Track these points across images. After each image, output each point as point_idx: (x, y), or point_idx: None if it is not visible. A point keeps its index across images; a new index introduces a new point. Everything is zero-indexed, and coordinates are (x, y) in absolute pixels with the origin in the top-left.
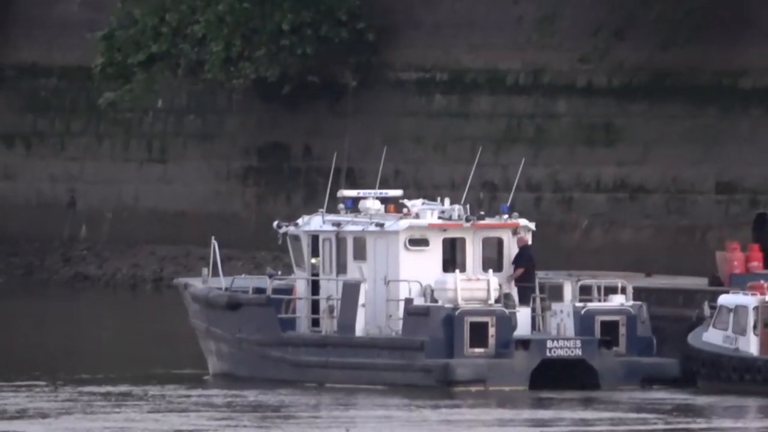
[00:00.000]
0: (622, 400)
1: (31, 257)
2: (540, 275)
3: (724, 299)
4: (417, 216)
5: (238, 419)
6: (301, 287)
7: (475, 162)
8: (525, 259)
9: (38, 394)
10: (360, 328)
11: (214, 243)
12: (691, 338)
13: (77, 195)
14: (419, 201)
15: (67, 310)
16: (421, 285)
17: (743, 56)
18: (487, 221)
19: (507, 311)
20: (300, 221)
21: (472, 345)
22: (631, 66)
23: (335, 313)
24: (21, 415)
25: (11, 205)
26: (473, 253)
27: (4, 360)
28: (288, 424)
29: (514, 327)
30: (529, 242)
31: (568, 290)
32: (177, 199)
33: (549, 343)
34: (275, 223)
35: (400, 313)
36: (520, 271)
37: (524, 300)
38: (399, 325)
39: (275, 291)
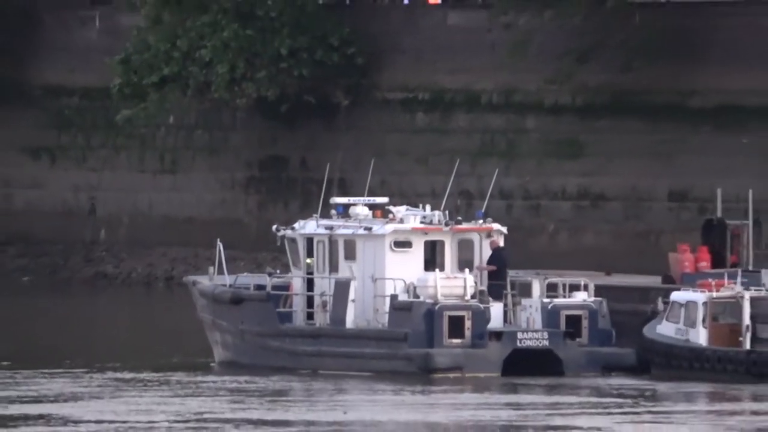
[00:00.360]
0: (586, 386)
1: (56, 258)
2: (511, 274)
3: (676, 295)
4: (401, 221)
5: (248, 403)
6: (298, 284)
7: (453, 173)
8: (497, 259)
9: (70, 381)
10: (350, 321)
11: (219, 245)
12: (647, 330)
13: (97, 202)
14: (403, 207)
15: (88, 306)
16: (404, 282)
17: (692, 79)
18: (464, 226)
19: (482, 306)
20: (296, 225)
21: (450, 336)
22: (594, 87)
23: (328, 308)
24: (56, 399)
25: (38, 211)
26: (451, 254)
27: (37, 350)
28: (292, 407)
29: (488, 320)
30: (501, 244)
31: (537, 287)
32: (186, 206)
33: (519, 335)
34: (274, 227)
35: (386, 307)
36: (490, 267)
37: (496, 296)
38: (385, 319)
39: (274, 288)
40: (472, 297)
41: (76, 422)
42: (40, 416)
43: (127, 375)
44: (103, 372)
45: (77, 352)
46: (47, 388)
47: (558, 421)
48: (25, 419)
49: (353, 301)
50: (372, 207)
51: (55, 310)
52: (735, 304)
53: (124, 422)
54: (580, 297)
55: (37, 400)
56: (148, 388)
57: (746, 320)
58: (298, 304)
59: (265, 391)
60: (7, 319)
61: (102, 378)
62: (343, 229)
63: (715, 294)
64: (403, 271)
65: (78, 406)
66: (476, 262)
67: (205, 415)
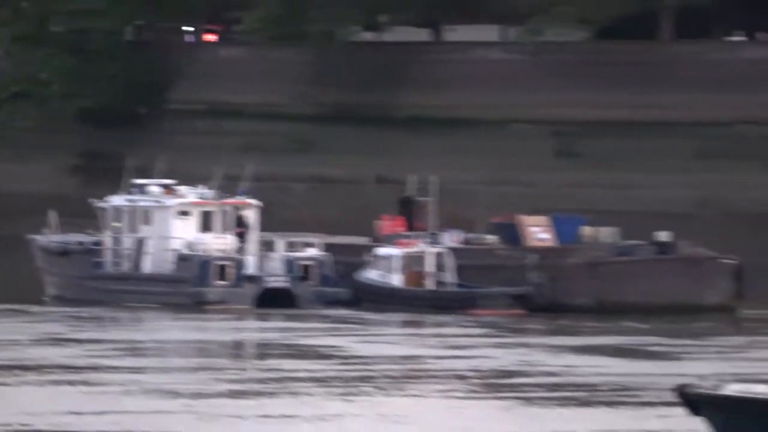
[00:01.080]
0: (319, 316)
1: None
2: (262, 234)
3: (380, 251)
4: (184, 196)
5: (84, 327)
6: (108, 241)
7: (224, 163)
8: (244, 225)
9: None
10: (147, 268)
11: (54, 213)
12: (359, 276)
13: None
14: (186, 187)
15: None
16: (186, 240)
17: (395, 97)
18: (229, 200)
19: (241, 257)
20: (108, 199)
21: (218, 279)
22: (324, 102)
23: (130, 258)
24: None
25: None
26: (220, 220)
27: None
28: (117, 329)
29: (245, 267)
30: (249, 215)
31: (280, 244)
32: (32, 186)
33: (267, 278)
34: (91, 200)
35: (173, 258)
36: (241, 230)
37: (249, 250)
38: (172, 267)
39: (92, 244)
40: (234, 251)
41: None
42: None
43: None
44: None
45: None
46: None
47: (308, 341)
48: None
49: (149, 253)
50: (163, 186)
51: None
52: (421, 257)
53: None
54: (311, 252)
55: None
56: (8, 317)
57: (429, 268)
58: (109, 256)
59: (93, 319)
60: None
61: None
62: (142, 202)
63: (407, 250)
64: (185, 233)
65: None
66: (233, 227)
67: (54, 336)
